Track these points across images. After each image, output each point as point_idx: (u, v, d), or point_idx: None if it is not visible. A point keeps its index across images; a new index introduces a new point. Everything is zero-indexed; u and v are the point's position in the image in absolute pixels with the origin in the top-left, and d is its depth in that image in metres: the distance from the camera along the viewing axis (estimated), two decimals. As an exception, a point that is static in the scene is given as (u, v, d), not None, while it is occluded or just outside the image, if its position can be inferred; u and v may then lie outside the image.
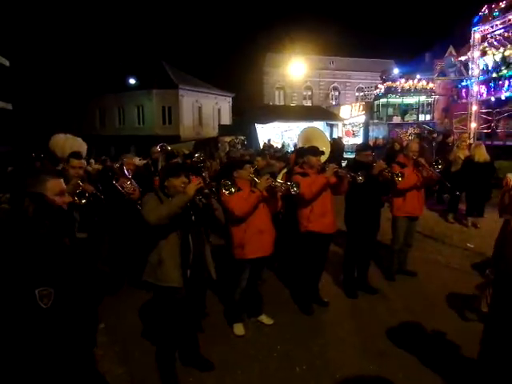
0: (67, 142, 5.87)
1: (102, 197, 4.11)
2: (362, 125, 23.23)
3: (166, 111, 32.01)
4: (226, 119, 35.58)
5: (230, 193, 3.37)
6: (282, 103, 39.84)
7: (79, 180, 3.86)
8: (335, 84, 42.37)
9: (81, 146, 5.89)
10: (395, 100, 21.64)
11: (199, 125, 33.83)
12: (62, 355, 1.78)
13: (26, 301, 1.65)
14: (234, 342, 4.00)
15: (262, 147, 19.47)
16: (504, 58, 16.14)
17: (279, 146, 21.12)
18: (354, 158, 5.51)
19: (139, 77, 31.62)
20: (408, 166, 5.32)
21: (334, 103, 35.93)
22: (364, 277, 5.19)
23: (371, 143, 16.25)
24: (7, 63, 21.45)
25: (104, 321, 4.38)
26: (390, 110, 21.71)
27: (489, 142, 13.21)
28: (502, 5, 15.46)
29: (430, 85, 21.19)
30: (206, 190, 3.18)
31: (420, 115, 21.49)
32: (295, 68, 38.59)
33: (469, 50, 18.42)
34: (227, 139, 22.48)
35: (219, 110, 36.30)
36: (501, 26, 15.96)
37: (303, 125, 20.72)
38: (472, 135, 16.12)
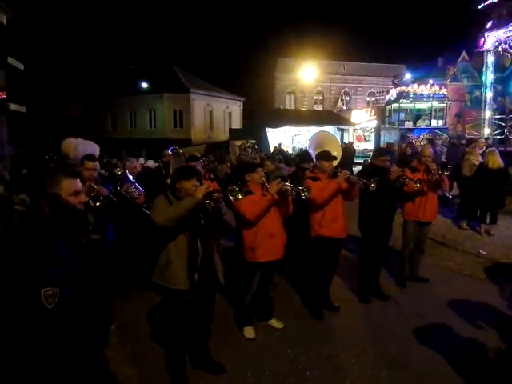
0: (80, 145, 5.95)
1: (115, 199, 4.16)
2: (373, 130, 23.15)
3: (178, 115, 32.22)
4: (237, 123, 35.68)
5: (236, 199, 3.36)
6: (292, 107, 39.86)
7: (93, 183, 3.90)
8: (346, 89, 42.25)
9: (94, 148, 5.96)
10: (407, 105, 21.51)
11: (210, 128, 33.99)
12: (70, 354, 1.80)
13: (31, 300, 1.66)
14: (244, 346, 4.00)
15: (272, 151, 19.50)
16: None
17: (290, 151, 21.13)
18: (370, 162, 5.49)
19: (151, 81, 31.90)
20: (420, 170, 5.30)
21: (344, 108, 35.82)
22: (375, 282, 5.16)
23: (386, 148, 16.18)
24: (22, 67, 21.80)
25: (115, 322, 4.42)
26: (402, 115, 21.59)
27: (502, 148, 13.06)
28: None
29: (443, 90, 21.03)
30: (215, 194, 3.18)
31: (432, 120, 21.31)
32: (306, 73, 38.63)
33: (482, 56, 18.30)
34: (238, 143, 22.55)
35: (230, 114, 36.43)
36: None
37: (314, 129, 20.71)
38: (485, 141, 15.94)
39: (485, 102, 17.76)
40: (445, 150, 13.89)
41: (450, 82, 21.85)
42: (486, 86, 17.75)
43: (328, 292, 4.84)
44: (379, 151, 5.53)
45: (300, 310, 4.76)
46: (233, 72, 41.13)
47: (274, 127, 23.60)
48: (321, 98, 42.31)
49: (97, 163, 4.24)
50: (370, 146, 22.91)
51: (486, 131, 17.31)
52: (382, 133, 21.61)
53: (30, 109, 23.01)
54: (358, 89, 42.22)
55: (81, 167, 4.20)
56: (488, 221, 7.82)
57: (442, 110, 21.50)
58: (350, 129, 24.95)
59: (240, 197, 3.36)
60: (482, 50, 17.92)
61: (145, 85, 32.10)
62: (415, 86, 21.03)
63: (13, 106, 20.37)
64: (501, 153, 8.03)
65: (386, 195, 4.76)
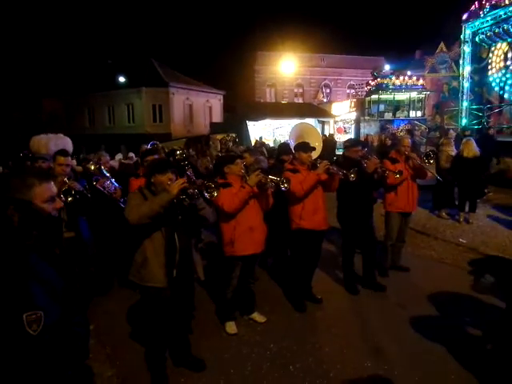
0: (51, 140, 5.75)
1: (89, 195, 4.02)
2: (353, 122, 23.23)
3: (157, 109, 31.73)
4: (218, 117, 35.40)
5: (212, 196, 3.27)
6: (273, 101, 39.76)
7: (65, 178, 3.75)
8: (326, 81, 42.32)
9: (67, 143, 5.77)
10: (386, 96, 21.63)
11: (190, 122, 33.62)
12: (55, 374, 1.59)
13: (13, 328, 1.44)
14: (226, 341, 3.94)
15: (253, 144, 19.39)
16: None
17: (271, 144, 21.06)
18: (343, 154, 5.46)
19: (129, 75, 31.31)
20: (400, 161, 5.30)
21: (325, 100, 35.85)
22: (370, 274, 5.11)
23: (363, 140, 16.27)
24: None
25: (93, 322, 4.29)
26: (382, 107, 21.71)
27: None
28: (493, 1, 15.53)
29: (421, 81, 21.23)
30: (191, 190, 3.06)
31: (411, 111, 21.51)
32: (286, 66, 38.53)
33: (459, 47, 18.53)
34: (219, 137, 22.36)
35: (210, 108, 36.11)
36: (491, 22, 16.03)
37: (294, 122, 20.60)
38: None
39: (462, 92, 18.02)
40: (424, 140, 14.04)
41: (428, 73, 21.99)
42: (464, 77, 18.01)
43: (310, 284, 4.81)
44: (351, 142, 5.47)
45: (283, 304, 4.72)
46: (213, 66, 40.85)
47: (254, 120, 23.47)
48: (301, 90, 42.28)
49: (69, 158, 4.08)
50: (352, 137, 23.01)
51: (464, 121, 17.58)
52: (361, 125, 21.67)
53: (3, 102, 22.33)
54: (338, 81, 42.35)
55: (53, 163, 4.06)
56: (467, 209, 7.92)
57: (420, 101, 21.70)
58: (331, 121, 24.99)
59: (215, 194, 3.26)
60: (459, 41, 18.15)
61: (122, 79, 31.48)
62: (393, 77, 21.16)
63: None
64: (477, 143, 8.12)
65: (362, 186, 4.74)
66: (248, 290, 4.28)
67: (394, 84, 21.06)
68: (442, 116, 21.11)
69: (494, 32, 16.19)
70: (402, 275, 5.50)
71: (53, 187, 1.73)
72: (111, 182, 4.65)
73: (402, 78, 21.16)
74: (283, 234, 4.91)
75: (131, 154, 11.18)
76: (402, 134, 17.73)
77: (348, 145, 5.33)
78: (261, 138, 21.66)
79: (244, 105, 29.42)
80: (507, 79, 16.55)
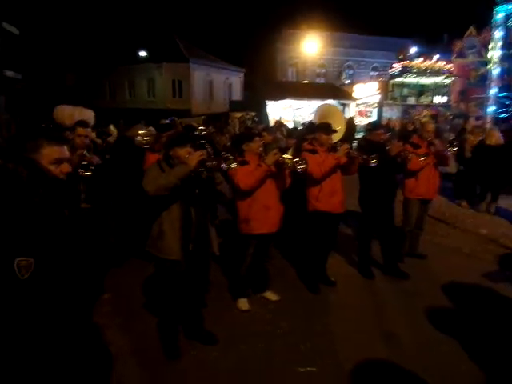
0: (76, 111, 5.79)
1: (108, 168, 4.04)
2: (376, 105, 22.74)
3: (177, 85, 31.63)
4: (237, 95, 35.10)
5: (229, 168, 3.24)
6: (294, 80, 39.16)
7: (85, 150, 3.76)
8: (349, 62, 41.38)
9: (90, 115, 5.80)
10: (411, 80, 21.05)
11: (210, 99, 33.45)
12: (52, 326, 1.69)
13: (3, 269, 1.54)
14: (238, 317, 3.97)
15: (273, 124, 19.20)
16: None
17: (290, 124, 20.83)
18: (365, 137, 5.35)
19: (150, 50, 31.15)
20: (422, 147, 5.16)
21: (347, 82, 35.10)
22: (391, 261, 5.03)
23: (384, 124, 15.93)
24: (17, 32, 21.18)
25: (109, 291, 4.38)
26: (405, 91, 21.17)
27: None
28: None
29: (448, 66, 20.55)
30: (209, 163, 3.04)
31: (435, 97, 20.92)
32: (309, 45, 37.71)
33: (490, 31, 17.79)
34: (237, 115, 22.22)
35: (230, 85, 35.80)
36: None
37: (315, 103, 20.34)
38: (489, 120, 15.67)
39: (490, 79, 17.38)
40: (447, 127, 13.68)
41: (455, 57, 21.28)
42: (493, 63, 17.33)
43: (325, 266, 4.79)
44: (373, 125, 5.35)
45: (296, 284, 4.72)
46: (234, 42, 40.17)
47: (274, 100, 23.17)
48: (323, 71, 41.45)
49: (89, 129, 4.09)
50: (374, 121, 22.59)
51: (490, 109, 17.02)
52: (384, 108, 21.22)
53: (26, 76, 22.50)
54: (362, 63, 41.34)
55: (72, 134, 4.07)
56: (489, 199, 7.73)
57: (445, 86, 21.08)
58: (352, 103, 24.54)
59: (234, 166, 3.24)
60: (490, 25, 17.42)
61: (144, 54, 31.38)
62: (420, 60, 20.53)
63: (8, 73, 19.91)
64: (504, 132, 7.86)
65: (386, 171, 4.64)
66: (262, 268, 4.28)
67: (419, 68, 20.45)
68: (467, 103, 20.47)
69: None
70: (419, 262, 5.43)
71: (63, 150, 1.79)
72: None
73: (428, 61, 20.51)
74: (298, 213, 4.87)
75: (151, 128, 11.22)
76: (425, 119, 17.31)
77: (370, 128, 5.22)
78: (280, 118, 21.42)
79: (264, 83, 28.99)
80: (539, 66, 15.89)
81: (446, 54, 22.19)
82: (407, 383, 3.13)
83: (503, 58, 17.30)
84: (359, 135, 17.92)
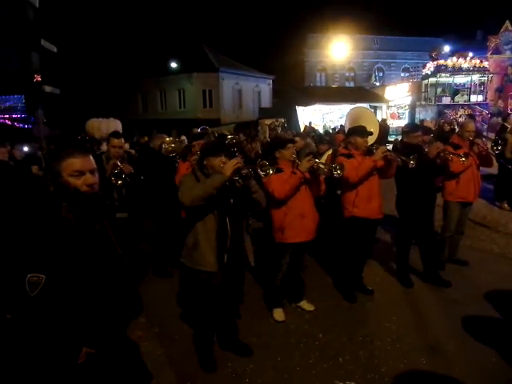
0: (102, 124, 5.98)
1: (142, 178, 4.08)
2: (407, 106, 22.22)
3: (207, 94, 32.06)
4: (267, 102, 35.18)
5: (266, 174, 3.18)
6: (323, 85, 38.90)
7: (118, 160, 3.82)
8: (379, 64, 40.72)
9: (117, 126, 5.96)
10: (445, 79, 20.42)
11: (239, 108, 33.69)
12: (61, 345, 1.65)
13: (14, 284, 1.54)
14: (273, 328, 3.89)
15: (302, 130, 19.10)
16: None
17: (320, 129, 20.65)
18: (402, 140, 5.18)
19: (180, 60, 31.77)
20: (463, 147, 4.93)
21: (377, 84, 34.53)
22: (432, 268, 4.82)
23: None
24: (55, 49, 22.08)
25: (144, 300, 4.40)
26: (439, 91, 20.54)
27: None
28: None
29: (484, 63, 19.82)
30: (244, 171, 2.99)
31: (472, 96, 20.19)
32: (337, 49, 37.45)
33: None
34: (267, 122, 22.25)
35: (259, 93, 35.94)
36: None
37: (345, 107, 20.12)
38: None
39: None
40: (485, 126, 13.15)
41: (491, 54, 20.54)
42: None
43: (361, 275, 4.64)
44: (410, 127, 5.15)
45: (332, 293, 4.60)
46: (262, 50, 40.32)
47: (304, 105, 23.09)
48: (352, 74, 41.01)
49: (122, 140, 4.16)
50: (404, 123, 22.07)
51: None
52: (417, 110, 20.69)
53: (63, 90, 23.38)
54: (392, 64, 40.62)
55: (108, 145, 4.16)
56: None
57: (482, 84, 20.32)
58: (384, 106, 24.08)
59: (271, 172, 3.18)
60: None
61: (174, 64, 32.02)
62: (454, 59, 19.89)
63: (47, 88, 20.72)
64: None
65: (423, 173, 4.46)
66: (297, 278, 4.19)
67: (453, 66, 19.82)
68: (505, 100, 19.66)
69: None
70: (460, 269, 5.18)
71: (84, 162, 1.75)
72: None
73: (462, 59, 19.86)
74: (333, 221, 4.76)
75: (183, 137, 11.47)
76: (461, 120, 16.73)
77: (407, 130, 5.04)
78: (310, 123, 21.30)
79: (293, 89, 28.95)
80: None
81: (481, 51, 21.48)
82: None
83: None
84: (391, 138, 17.54)
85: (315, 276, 4.98)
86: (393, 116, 22.91)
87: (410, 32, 38.90)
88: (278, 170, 3.68)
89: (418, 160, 4.07)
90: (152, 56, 34.23)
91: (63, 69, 26.27)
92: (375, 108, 24.15)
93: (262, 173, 3.15)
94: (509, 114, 12.27)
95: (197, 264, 3.12)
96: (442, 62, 20.10)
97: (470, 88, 20.16)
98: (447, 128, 10.64)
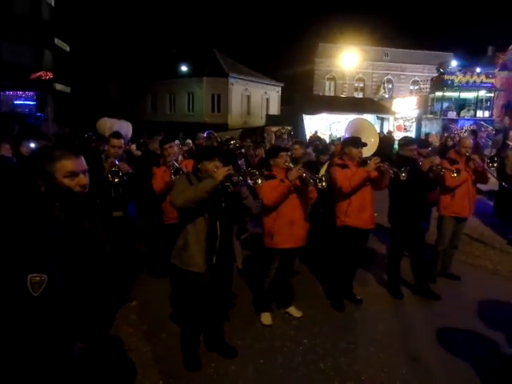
0: (114, 124, 6.10)
1: (140, 178, 4.19)
2: (414, 119, 22.25)
3: (216, 99, 32.31)
4: (275, 109, 35.38)
5: (255, 183, 3.27)
6: (332, 94, 39.04)
7: (116, 159, 3.93)
8: (389, 76, 40.84)
9: (125, 128, 6.07)
10: (451, 94, 20.46)
11: (247, 114, 33.91)
12: (58, 342, 1.67)
13: (16, 285, 1.53)
14: (260, 332, 3.95)
15: (308, 139, 19.17)
16: None
17: (327, 138, 20.71)
18: (397, 153, 5.25)
19: (191, 64, 32.10)
20: (459, 162, 4.99)
21: (386, 96, 34.59)
22: (422, 280, 4.86)
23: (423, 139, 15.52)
24: (68, 48, 22.46)
25: (137, 299, 4.50)
26: (445, 105, 20.56)
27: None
28: None
29: (491, 79, 19.84)
30: (235, 178, 3.08)
31: (478, 111, 20.18)
32: (347, 59, 37.63)
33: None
34: (274, 129, 22.37)
35: (268, 100, 36.16)
36: None
37: (352, 117, 20.12)
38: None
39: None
40: (489, 142, 13.16)
41: (498, 70, 20.53)
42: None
43: (351, 284, 4.70)
44: (406, 140, 5.19)
45: (321, 300, 4.65)
46: (272, 57, 40.65)
47: (311, 114, 23.19)
48: (362, 85, 41.14)
49: (122, 141, 4.26)
50: (411, 136, 22.10)
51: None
52: (423, 123, 20.71)
53: (74, 89, 23.71)
54: (402, 77, 40.72)
55: (108, 145, 4.27)
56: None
57: (488, 100, 20.32)
58: (391, 118, 24.12)
59: (259, 182, 3.27)
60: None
61: (185, 68, 32.34)
62: (460, 74, 19.92)
63: (58, 86, 21.07)
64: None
65: (416, 186, 4.53)
66: (286, 283, 4.26)
67: (460, 81, 19.85)
68: (511, 117, 19.64)
69: None
70: (451, 283, 5.21)
71: (78, 163, 1.76)
72: None
73: (469, 74, 19.89)
74: (326, 229, 4.82)
75: (188, 141, 11.61)
76: (464, 134, 16.75)
77: (403, 143, 5.10)
78: (316, 132, 21.38)
79: (301, 97, 29.13)
80: None
81: (490, 67, 21.48)
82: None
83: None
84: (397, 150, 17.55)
85: (306, 282, 5.05)
86: (399, 128, 22.93)
87: (421, 45, 39.06)
88: (271, 177, 3.77)
89: (409, 173, 4.13)
90: (163, 58, 34.62)
91: (75, 68, 26.63)
92: (382, 119, 24.21)
93: (250, 181, 3.23)
94: (510, 131, 12.31)
95: (185, 264, 3.20)
96: (447, 76, 20.14)
97: (476, 103, 20.18)
98: (450, 143, 10.66)
